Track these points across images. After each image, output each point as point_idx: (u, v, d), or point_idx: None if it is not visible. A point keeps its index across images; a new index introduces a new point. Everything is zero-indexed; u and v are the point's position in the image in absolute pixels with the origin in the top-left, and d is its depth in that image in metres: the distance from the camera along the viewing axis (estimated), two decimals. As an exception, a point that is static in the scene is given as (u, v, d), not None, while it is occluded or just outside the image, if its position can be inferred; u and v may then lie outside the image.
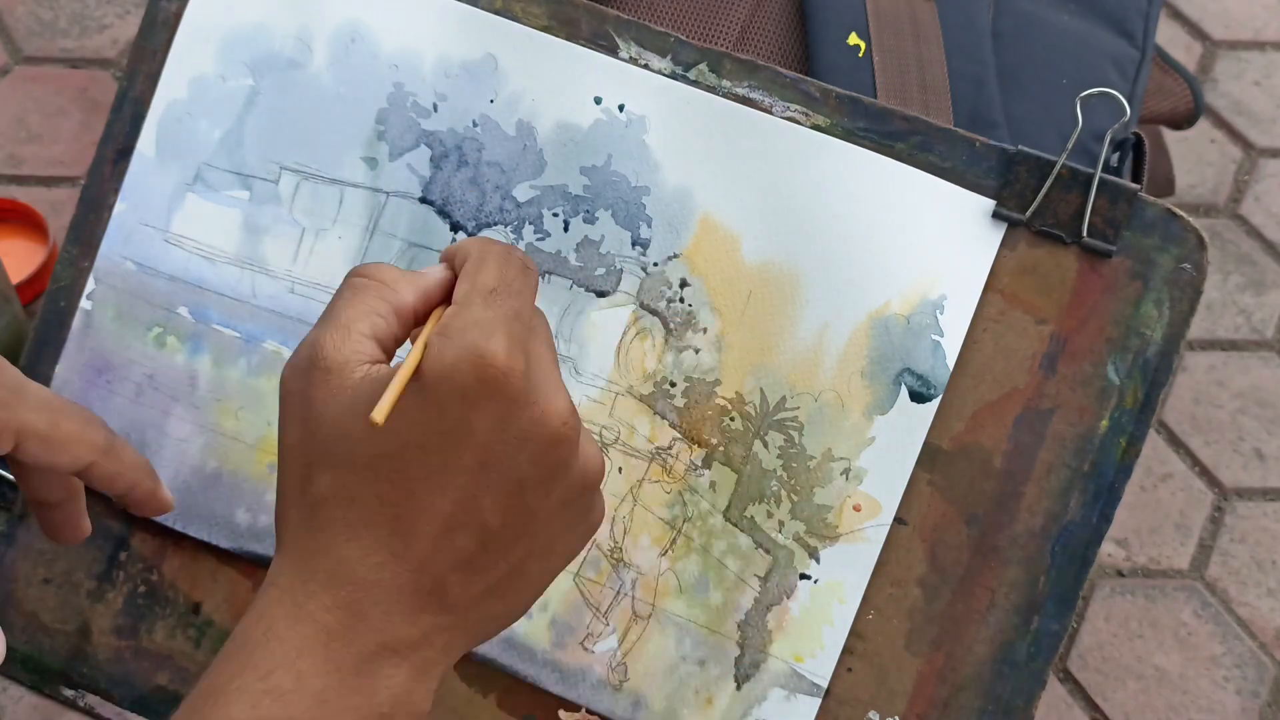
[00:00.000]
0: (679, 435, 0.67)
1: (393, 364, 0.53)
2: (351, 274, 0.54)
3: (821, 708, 0.66)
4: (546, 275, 0.68)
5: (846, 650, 0.66)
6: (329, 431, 0.51)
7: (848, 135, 0.66)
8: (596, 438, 0.67)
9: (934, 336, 0.65)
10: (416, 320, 0.54)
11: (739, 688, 0.67)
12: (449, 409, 0.49)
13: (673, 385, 0.67)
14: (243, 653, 0.50)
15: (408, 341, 0.55)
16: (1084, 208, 0.64)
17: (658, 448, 0.67)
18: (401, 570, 0.50)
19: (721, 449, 0.67)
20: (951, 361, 0.65)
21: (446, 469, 0.50)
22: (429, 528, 0.50)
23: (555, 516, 0.52)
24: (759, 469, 0.66)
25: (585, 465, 0.52)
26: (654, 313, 0.67)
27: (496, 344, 0.49)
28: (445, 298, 0.55)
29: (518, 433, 0.50)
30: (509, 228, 0.69)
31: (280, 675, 0.49)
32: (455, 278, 0.54)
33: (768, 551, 0.66)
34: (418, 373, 0.50)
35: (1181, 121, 0.92)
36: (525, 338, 0.51)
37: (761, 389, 0.66)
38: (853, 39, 0.74)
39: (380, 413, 0.48)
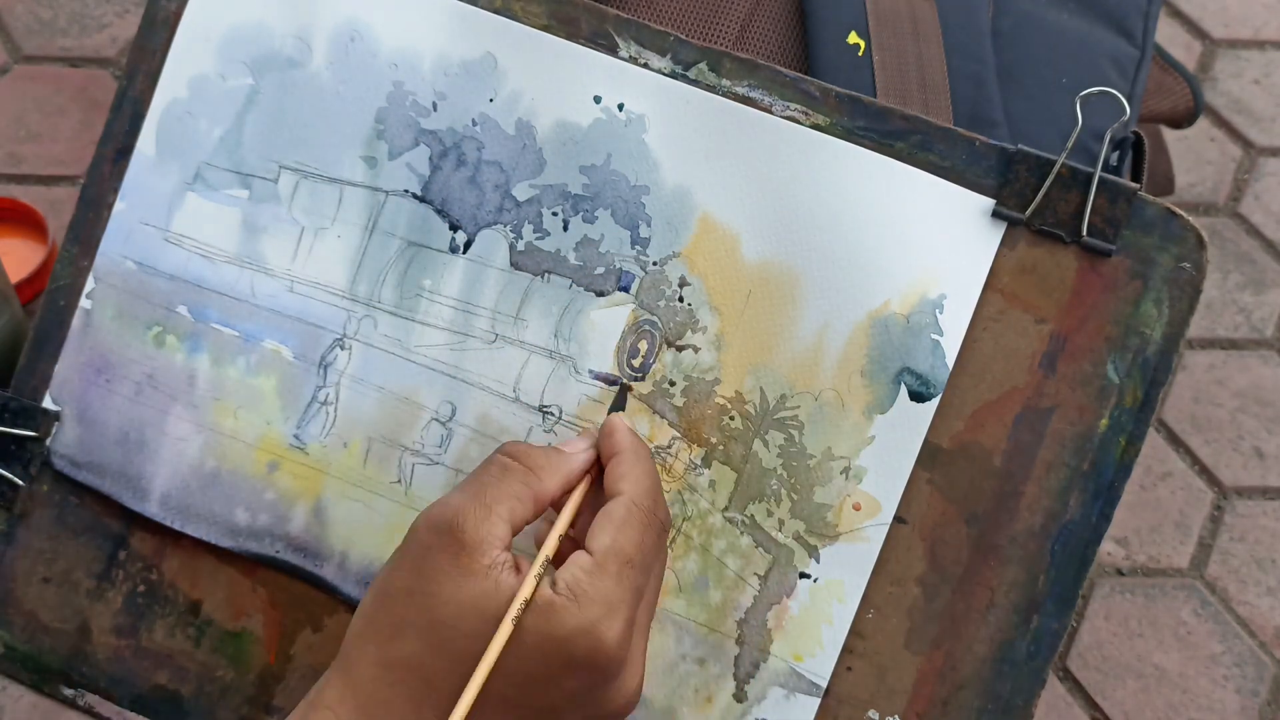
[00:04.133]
0: (678, 434, 0.67)
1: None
2: (503, 452, 0.59)
3: (821, 707, 0.66)
4: (546, 275, 0.68)
5: (846, 649, 0.66)
6: (437, 607, 0.55)
7: (847, 134, 0.66)
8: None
9: (934, 336, 0.65)
10: (552, 502, 0.59)
11: (739, 687, 0.67)
12: (549, 663, 0.54)
13: (672, 384, 0.67)
14: None
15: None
16: (1084, 207, 0.64)
17: (657, 447, 0.67)
18: None
19: (721, 448, 0.67)
20: (951, 361, 0.65)
21: (519, 703, 0.55)
22: None
23: None
24: (759, 468, 0.66)
25: None
26: (653, 312, 0.67)
27: (614, 631, 0.55)
28: (580, 478, 0.61)
29: (591, 699, 0.56)
30: (508, 227, 0.69)
31: None
32: (597, 458, 0.60)
33: (767, 550, 0.66)
34: (528, 613, 0.54)
35: (1181, 120, 0.92)
36: (639, 617, 0.57)
37: (761, 388, 0.66)
38: (852, 38, 0.74)
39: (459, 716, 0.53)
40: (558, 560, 0.57)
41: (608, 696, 0.56)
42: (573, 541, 0.59)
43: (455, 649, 0.54)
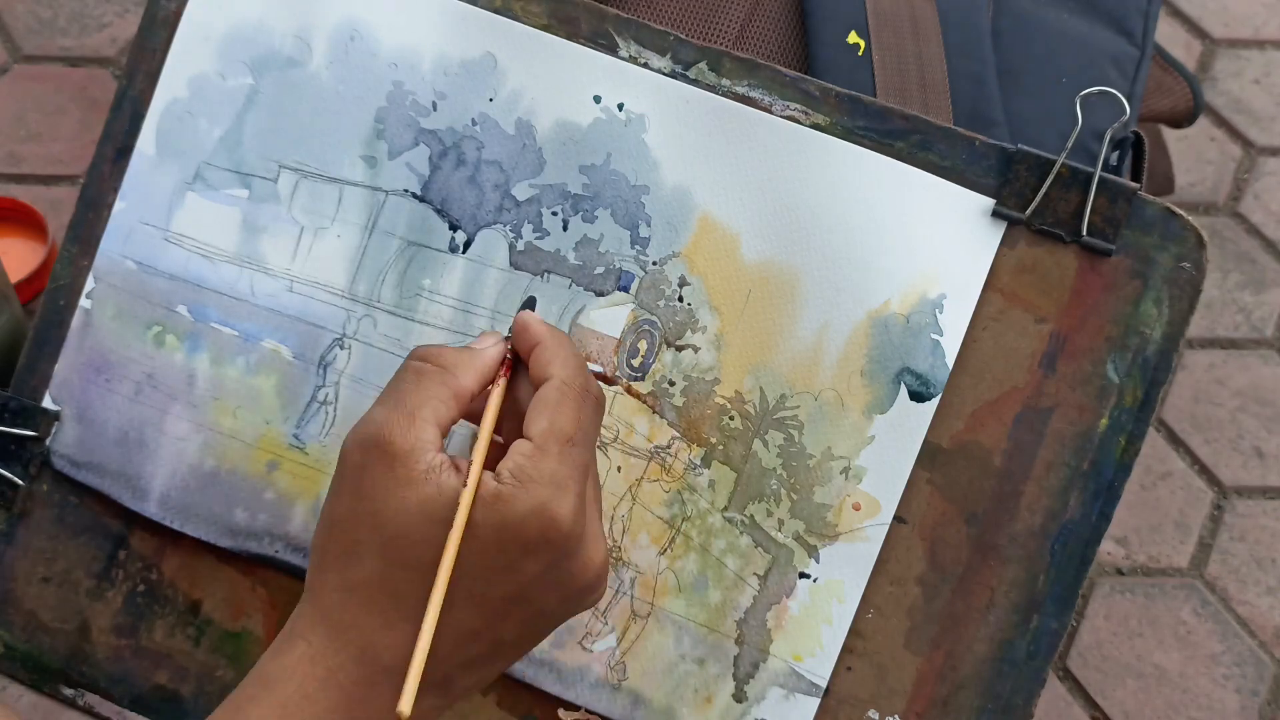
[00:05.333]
0: (678, 434, 0.67)
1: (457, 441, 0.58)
2: (414, 356, 0.58)
3: (821, 706, 0.66)
4: (546, 275, 0.68)
5: (846, 649, 0.66)
6: (386, 522, 0.54)
7: (847, 134, 0.66)
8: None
9: (933, 335, 0.65)
10: (473, 400, 0.58)
11: (738, 687, 0.67)
12: (507, 551, 0.54)
13: (672, 384, 0.67)
14: (272, 698, 0.55)
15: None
16: (1084, 206, 0.64)
17: (656, 446, 0.67)
18: None
19: (721, 448, 0.67)
20: (951, 360, 0.65)
21: (486, 595, 0.55)
22: (454, 634, 0.55)
23: (556, 625, 0.59)
24: (758, 467, 0.66)
25: (598, 596, 0.58)
26: (653, 312, 0.67)
27: (566, 507, 0.54)
28: (496, 371, 0.59)
29: (557, 578, 0.55)
30: (508, 227, 0.69)
31: None
32: (511, 352, 0.58)
33: (767, 550, 0.66)
34: (477, 506, 0.54)
35: (1181, 120, 0.92)
36: (588, 491, 0.56)
37: (761, 388, 0.66)
38: (852, 37, 0.74)
39: (406, 703, 0.52)
40: (490, 464, 0.56)
41: (572, 572, 0.56)
42: (501, 447, 0.58)
43: (413, 558, 0.54)
